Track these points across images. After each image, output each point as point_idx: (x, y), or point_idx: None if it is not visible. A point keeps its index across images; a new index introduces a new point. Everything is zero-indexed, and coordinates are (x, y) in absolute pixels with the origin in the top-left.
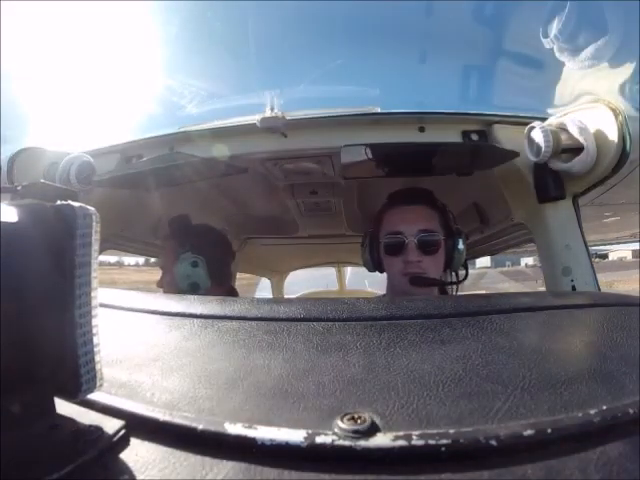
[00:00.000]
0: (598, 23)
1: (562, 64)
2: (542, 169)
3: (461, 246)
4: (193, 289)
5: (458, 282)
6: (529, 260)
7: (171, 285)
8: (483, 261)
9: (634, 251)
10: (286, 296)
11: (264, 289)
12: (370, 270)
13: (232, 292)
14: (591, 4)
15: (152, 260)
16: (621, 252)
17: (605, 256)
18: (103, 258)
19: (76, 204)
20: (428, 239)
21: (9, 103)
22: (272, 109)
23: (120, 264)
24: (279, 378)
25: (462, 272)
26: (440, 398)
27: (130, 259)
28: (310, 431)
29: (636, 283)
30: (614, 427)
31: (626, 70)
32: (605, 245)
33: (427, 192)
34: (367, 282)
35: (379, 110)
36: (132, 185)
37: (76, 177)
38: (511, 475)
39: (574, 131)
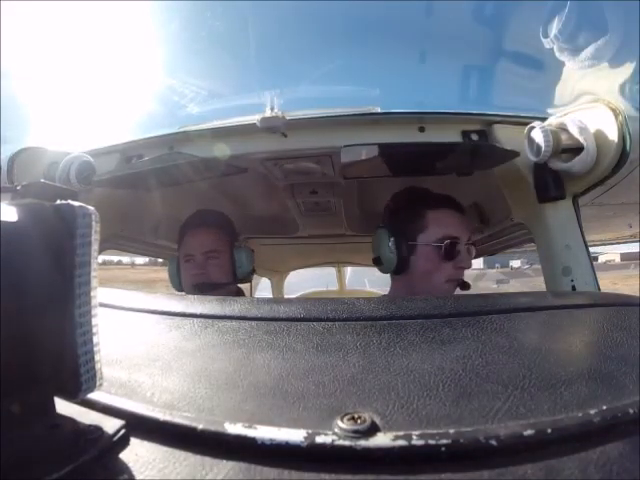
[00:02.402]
0: (598, 23)
1: (562, 64)
2: (542, 169)
3: None
4: (253, 272)
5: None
6: (516, 263)
7: (227, 269)
8: (475, 263)
9: (622, 254)
10: (286, 296)
11: (264, 289)
12: (386, 271)
13: (239, 291)
14: (591, 4)
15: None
16: (609, 255)
17: (595, 259)
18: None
19: (76, 204)
20: (471, 247)
21: (10, 103)
22: (272, 109)
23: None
24: (279, 378)
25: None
26: (440, 398)
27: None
28: (310, 431)
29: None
30: (614, 427)
31: (626, 70)
32: (605, 245)
33: None
34: (367, 282)
35: (379, 110)
36: (132, 185)
37: (76, 177)
38: (511, 475)
39: (574, 131)
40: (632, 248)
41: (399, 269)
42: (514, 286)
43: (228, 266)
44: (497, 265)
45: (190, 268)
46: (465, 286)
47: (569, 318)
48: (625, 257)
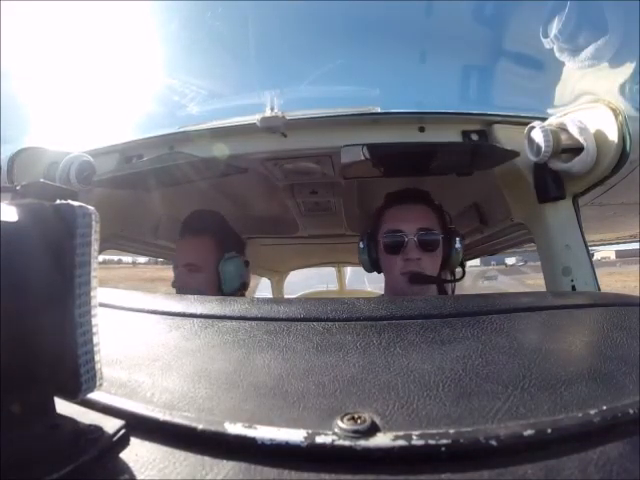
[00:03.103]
0: (598, 23)
1: (562, 64)
2: (542, 169)
3: (458, 246)
4: (243, 288)
5: (455, 280)
6: (511, 260)
7: (210, 283)
8: (472, 261)
9: (617, 251)
10: (286, 296)
11: (264, 289)
12: (367, 270)
13: None
14: (591, 4)
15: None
16: (604, 252)
17: (592, 256)
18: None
19: (76, 203)
20: (427, 237)
21: (9, 103)
22: (272, 109)
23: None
24: (279, 378)
25: (459, 271)
26: (440, 398)
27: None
28: (310, 431)
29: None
30: (614, 427)
31: (626, 70)
32: (605, 245)
33: (424, 192)
34: (367, 280)
35: (379, 110)
36: (132, 185)
37: (76, 177)
38: (511, 475)
39: (574, 131)
40: (627, 246)
41: (374, 268)
42: (502, 282)
43: (210, 281)
44: (493, 262)
45: (175, 278)
46: (418, 279)
47: (569, 318)
48: (620, 254)
